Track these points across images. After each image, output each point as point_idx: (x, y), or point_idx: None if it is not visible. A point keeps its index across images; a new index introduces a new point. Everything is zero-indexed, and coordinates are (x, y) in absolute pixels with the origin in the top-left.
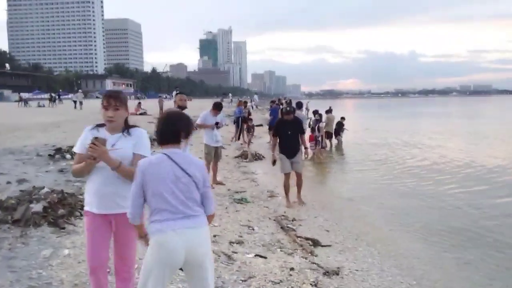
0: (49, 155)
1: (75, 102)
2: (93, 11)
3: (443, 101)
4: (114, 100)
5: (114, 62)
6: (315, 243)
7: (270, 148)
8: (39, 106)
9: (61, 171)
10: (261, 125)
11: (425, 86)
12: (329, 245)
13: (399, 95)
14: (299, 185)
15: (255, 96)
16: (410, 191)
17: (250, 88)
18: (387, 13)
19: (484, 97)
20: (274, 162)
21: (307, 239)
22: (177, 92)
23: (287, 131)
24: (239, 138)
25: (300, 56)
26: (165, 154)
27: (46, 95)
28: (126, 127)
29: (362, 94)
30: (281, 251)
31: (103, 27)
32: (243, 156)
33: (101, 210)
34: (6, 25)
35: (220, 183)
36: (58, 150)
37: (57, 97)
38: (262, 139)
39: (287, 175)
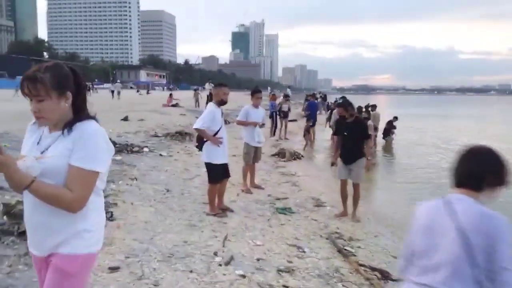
0: None
1: (112, 92)
2: (129, 2)
3: (481, 100)
4: (31, 86)
5: (148, 53)
6: (385, 276)
7: (331, 147)
8: None
9: None
10: (295, 120)
11: (462, 83)
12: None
13: (435, 92)
14: (355, 199)
15: (288, 90)
16: None
17: (281, 82)
18: (425, 8)
19: None
20: (332, 164)
21: (373, 269)
22: (217, 83)
23: (344, 132)
24: (274, 134)
25: (333, 50)
26: (445, 199)
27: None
28: (70, 123)
29: (396, 90)
30: (343, 286)
31: (138, 19)
32: (281, 154)
33: (34, 249)
34: (46, 15)
35: (259, 187)
36: None
37: (91, 86)
38: (298, 136)
39: (342, 182)
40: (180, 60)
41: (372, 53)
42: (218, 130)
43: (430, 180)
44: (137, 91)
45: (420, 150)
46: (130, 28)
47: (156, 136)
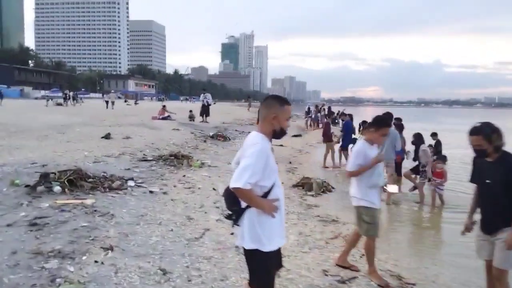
0: (28, 186)
1: (107, 102)
2: (118, 12)
3: (467, 113)
4: None
5: (137, 63)
6: None
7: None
8: (57, 104)
9: (34, 224)
10: (299, 135)
11: (449, 96)
12: None
13: (422, 104)
14: None
15: None
16: None
17: (270, 93)
18: (413, 22)
19: (510, 110)
20: (465, 230)
21: None
22: (271, 98)
23: (486, 179)
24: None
25: (322, 62)
26: None
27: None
28: None
29: (384, 102)
30: None
31: (128, 28)
32: (306, 186)
33: None
34: (33, 23)
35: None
36: (44, 177)
37: (70, 95)
38: (314, 157)
39: (487, 265)
40: (169, 70)
41: (360, 66)
42: (271, 188)
43: None
44: (125, 101)
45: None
46: (119, 38)
47: (144, 160)
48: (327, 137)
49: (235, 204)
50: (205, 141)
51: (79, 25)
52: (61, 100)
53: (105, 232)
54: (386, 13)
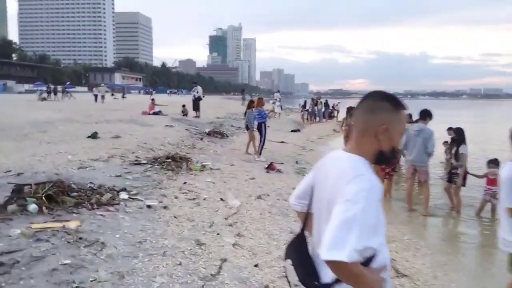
0: None
1: (96, 96)
2: (103, 4)
3: (454, 104)
4: None
5: (123, 56)
6: None
7: None
8: (42, 99)
9: None
10: (298, 130)
11: (435, 88)
12: None
13: (409, 96)
14: None
15: (278, 94)
16: None
17: (259, 86)
18: (399, 14)
19: (495, 101)
20: None
21: None
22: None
23: None
24: (260, 153)
25: (310, 55)
26: None
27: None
28: None
29: None
30: None
31: (113, 20)
32: None
33: None
34: (17, 16)
35: None
36: (17, 192)
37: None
38: (320, 154)
39: None
40: (156, 63)
41: (347, 58)
42: (378, 250)
43: None
44: (112, 94)
45: None
46: (104, 30)
47: (138, 163)
48: None
49: (314, 276)
50: (201, 139)
51: (63, 17)
52: (45, 94)
53: (93, 273)
54: (372, 6)
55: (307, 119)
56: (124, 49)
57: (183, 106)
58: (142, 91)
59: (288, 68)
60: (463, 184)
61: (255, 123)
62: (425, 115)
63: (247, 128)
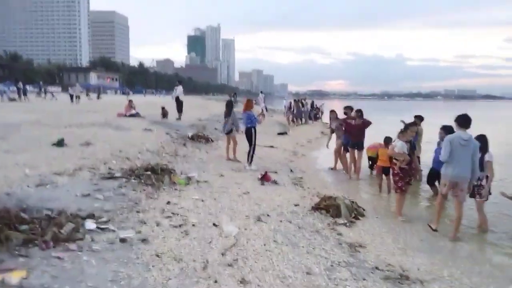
0: None
1: (71, 96)
2: (78, 2)
3: (430, 105)
4: None
5: (99, 55)
6: None
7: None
8: (10, 99)
9: None
10: (284, 133)
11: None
12: None
13: (386, 97)
14: None
15: (262, 95)
16: None
17: (238, 86)
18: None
19: (469, 102)
20: None
21: None
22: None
23: None
24: (251, 162)
25: (289, 56)
26: None
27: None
28: None
29: (349, 95)
30: None
31: (88, 19)
32: (331, 210)
33: None
34: None
35: None
36: None
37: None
38: (314, 160)
39: None
40: (134, 63)
41: (326, 59)
42: None
43: None
44: (87, 94)
45: None
46: (79, 29)
47: (110, 177)
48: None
49: None
50: (184, 145)
51: (36, 15)
52: (13, 95)
53: None
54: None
55: (292, 120)
56: (99, 48)
57: (163, 108)
58: (118, 91)
59: (268, 69)
60: (486, 198)
61: (241, 127)
62: (467, 121)
63: (230, 131)
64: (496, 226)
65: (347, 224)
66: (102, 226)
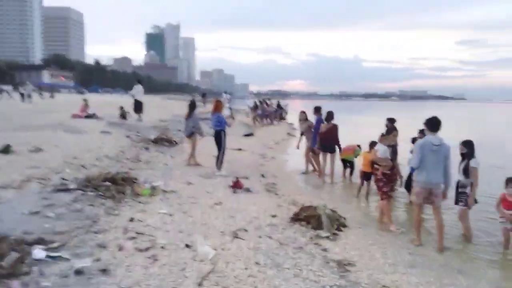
0: None
1: (22, 94)
2: None
3: (386, 105)
4: None
5: (53, 52)
6: None
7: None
8: None
9: None
10: (251, 134)
11: (367, 90)
12: None
13: (343, 97)
14: None
15: (227, 95)
16: None
17: (199, 86)
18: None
19: (422, 102)
20: None
21: None
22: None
23: None
24: (220, 166)
25: (250, 56)
26: None
27: None
28: None
29: (309, 95)
30: None
31: (41, 15)
32: (311, 221)
33: None
34: None
35: None
36: None
37: None
38: (284, 163)
39: None
40: (89, 61)
41: (286, 60)
42: None
43: None
44: (40, 93)
45: None
46: (31, 25)
47: (64, 189)
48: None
49: None
50: (147, 149)
51: None
52: None
53: None
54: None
55: (256, 120)
56: (53, 46)
57: (121, 108)
58: (73, 90)
59: (229, 68)
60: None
61: (204, 131)
62: (436, 124)
63: (191, 134)
64: (481, 234)
65: (331, 237)
66: (53, 254)
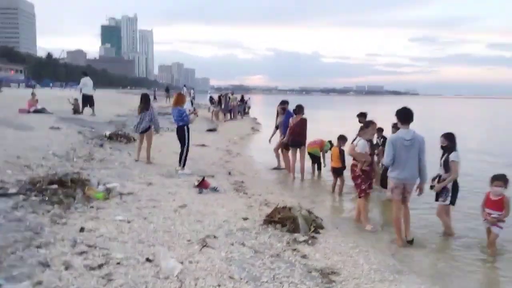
0: None
1: None
2: None
3: (343, 100)
4: None
5: (1, 45)
6: None
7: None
8: None
9: None
10: (214, 129)
11: (326, 85)
12: None
13: (303, 92)
14: None
15: (186, 89)
16: None
17: (158, 80)
18: (293, 14)
19: (377, 97)
20: None
21: None
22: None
23: None
24: (184, 165)
25: (211, 50)
26: None
27: None
28: None
29: (269, 90)
30: None
31: None
32: (287, 223)
33: None
34: None
35: None
36: None
37: None
38: (250, 160)
39: None
40: (41, 54)
41: (247, 54)
42: None
43: None
44: None
45: None
46: None
47: (2, 194)
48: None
49: None
50: (101, 146)
51: None
52: None
53: None
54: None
55: (218, 115)
56: (2, 38)
57: (75, 99)
58: (23, 84)
59: (188, 62)
60: (453, 202)
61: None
62: (408, 115)
63: (147, 129)
64: (462, 230)
65: (309, 242)
66: None
